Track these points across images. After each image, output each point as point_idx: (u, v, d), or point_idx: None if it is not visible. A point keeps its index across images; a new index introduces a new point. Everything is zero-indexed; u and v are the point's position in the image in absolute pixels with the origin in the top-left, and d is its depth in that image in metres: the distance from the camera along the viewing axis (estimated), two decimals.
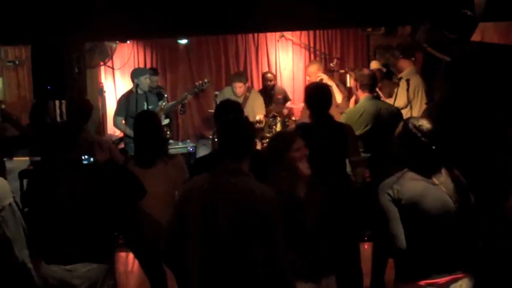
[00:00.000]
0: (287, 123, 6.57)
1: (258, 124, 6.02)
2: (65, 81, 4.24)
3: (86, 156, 2.99)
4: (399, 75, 5.88)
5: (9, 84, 6.64)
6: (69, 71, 4.27)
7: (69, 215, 2.81)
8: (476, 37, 3.53)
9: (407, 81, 5.48)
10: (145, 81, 6.08)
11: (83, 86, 4.53)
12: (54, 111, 5.46)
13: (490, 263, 2.74)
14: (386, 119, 4.18)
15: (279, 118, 6.54)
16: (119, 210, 3.02)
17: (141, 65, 7.64)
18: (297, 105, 7.01)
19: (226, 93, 6.32)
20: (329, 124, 3.82)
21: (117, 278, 3.15)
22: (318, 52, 7.73)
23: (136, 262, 4.20)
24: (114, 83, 7.85)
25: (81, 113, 4.02)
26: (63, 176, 2.85)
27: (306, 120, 4.69)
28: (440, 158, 2.60)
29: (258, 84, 7.72)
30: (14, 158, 4.50)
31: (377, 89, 4.95)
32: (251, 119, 5.79)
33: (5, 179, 3.08)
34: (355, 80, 4.44)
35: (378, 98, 4.53)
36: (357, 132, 4.12)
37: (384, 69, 6.48)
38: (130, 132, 5.56)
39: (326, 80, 5.87)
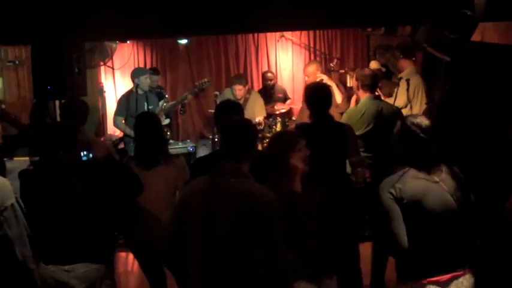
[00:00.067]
0: (287, 123, 6.58)
1: (258, 126, 6.02)
2: (65, 81, 4.24)
3: (85, 152, 2.99)
4: (399, 75, 5.89)
5: (9, 84, 6.63)
6: (69, 71, 4.27)
7: (67, 216, 2.82)
8: (476, 37, 3.53)
9: (407, 81, 5.48)
10: (145, 81, 6.08)
11: (83, 86, 4.53)
12: (54, 111, 5.46)
13: (490, 262, 2.75)
14: (388, 119, 4.18)
15: (279, 118, 6.55)
16: (118, 206, 3.03)
17: (141, 65, 7.64)
18: (296, 105, 7.01)
19: (227, 95, 6.32)
20: (329, 124, 3.82)
21: (117, 278, 3.15)
22: (318, 52, 7.73)
23: (136, 262, 4.19)
24: (114, 83, 7.85)
25: (76, 114, 4.02)
26: (61, 176, 2.85)
27: (305, 120, 4.69)
28: (439, 154, 2.60)
29: (258, 84, 7.73)
30: (14, 158, 4.50)
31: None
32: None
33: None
34: (356, 79, 4.44)
35: (379, 98, 4.53)
36: (358, 132, 4.12)
37: (383, 69, 6.49)
38: (130, 132, 5.56)
39: (326, 80, 5.87)
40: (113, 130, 7.05)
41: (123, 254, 5.24)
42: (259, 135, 6.06)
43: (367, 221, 4.44)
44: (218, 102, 4.92)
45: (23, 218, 2.65)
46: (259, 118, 6.25)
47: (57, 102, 5.23)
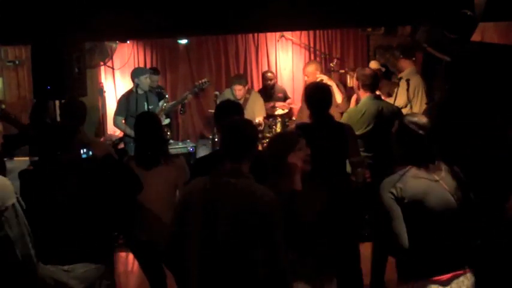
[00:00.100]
0: (287, 123, 6.58)
1: (258, 127, 6.03)
2: (65, 81, 4.24)
3: (85, 150, 3.00)
4: (399, 75, 5.88)
5: (9, 84, 6.63)
6: (69, 71, 4.27)
7: (67, 215, 2.82)
8: (476, 37, 3.53)
9: (407, 81, 5.48)
10: (145, 80, 6.07)
11: (83, 86, 4.53)
12: (54, 111, 5.46)
13: (490, 262, 2.75)
14: (388, 119, 4.18)
15: (279, 118, 6.55)
16: (118, 206, 3.03)
17: (141, 65, 7.64)
18: (296, 105, 7.02)
19: (227, 95, 6.32)
20: (329, 124, 3.82)
21: (117, 278, 3.15)
22: (318, 52, 7.73)
23: (136, 262, 4.19)
24: (114, 83, 7.85)
25: (75, 114, 4.03)
26: (61, 176, 2.85)
27: (304, 120, 4.69)
28: (439, 152, 2.61)
29: (258, 84, 7.73)
30: (14, 158, 4.50)
31: None
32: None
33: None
34: (357, 79, 4.43)
35: (379, 97, 4.53)
36: (359, 132, 4.11)
37: (383, 69, 6.49)
38: (130, 132, 5.56)
39: (326, 80, 5.87)
40: (113, 130, 7.05)
41: (123, 254, 5.24)
42: (259, 135, 6.07)
43: (367, 221, 4.44)
44: (218, 102, 4.93)
45: (24, 218, 2.64)
46: (259, 118, 6.25)
47: (57, 102, 5.23)
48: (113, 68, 7.63)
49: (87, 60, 4.98)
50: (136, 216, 3.48)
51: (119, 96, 6.49)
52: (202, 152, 6.50)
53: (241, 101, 6.12)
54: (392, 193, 2.51)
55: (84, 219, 2.84)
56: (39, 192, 2.86)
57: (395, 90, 5.56)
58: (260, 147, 5.80)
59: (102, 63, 6.81)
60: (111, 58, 7.12)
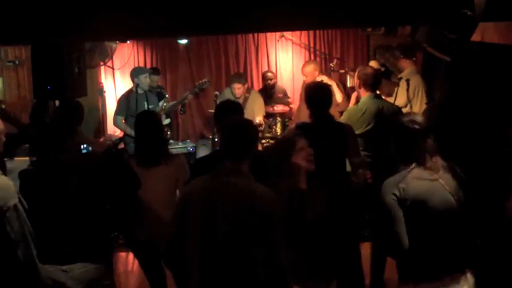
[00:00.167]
0: (287, 123, 6.58)
1: (259, 127, 6.02)
2: (65, 81, 4.23)
3: (85, 146, 3.00)
4: (399, 75, 5.89)
5: (9, 84, 6.62)
6: (69, 71, 4.27)
7: (66, 215, 2.82)
8: (476, 37, 3.52)
9: (407, 81, 5.48)
10: (145, 80, 6.08)
11: (83, 86, 4.52)
12: (54, 111, 5.45)
13: (490, 262, 2.74)
14: (388, 118, 4.18)
15: (279, 118, 6.55)
16: (117, 205, 3.03)
17: (141, 65, 7.64)
18: (296, 105, 7.02)
19: (226, 95, 6.32)
20: (329, 124, 3.82)
21: (117, 278, 3.15)
22: (318, 52, 7.73)
23: (136, 262, 4.19)
24: (114, 83, 7.85)
25: (71, 115, 4.03)
26: (61, 176, 2.85)
27: (301, 120, 4.69)
28: (437, 148, 2.62)
29: (258, 84, 7.73)
30: (15, 158, 4.49)
31: None
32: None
33: None
34: (358, 78, 4.42)
35: (379, 97, 4.53)
36: (358, 131, 4.11)
37: (382, 69, 6.49)
38: (130, 131, 5.56)
39: (326, 80, 5.87)
40: (113, 130, 7.05)
41: (123, 254, 5.24)
42: (259, 135, 6.07)
43: (367, 221, 4.44)
44: (218, 102, 4.93)
45: (26, 218, 2.64)
46: (259, 118, 6.25)
47: (57, 102, 5.23)
48: (113, 68, 7.63)
49: (87, 60, 4.98)
50: (136, 216, 3.48)
51: (118, 96, 6.49)
52: (202, 152, 6.50)
53: (240, 100, 6.12)
54: (395, 194, 2.51)
55: (83, 219, 2.84)
56: (39, 192, 2.86)
57: (396, 90, 5.56)
58: (260, 147, 5.81)
59: (102, 63, 6.81)
60: (111, 58, 7.12)
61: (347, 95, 6.32)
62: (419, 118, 2.65)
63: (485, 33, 4.51)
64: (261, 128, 6.17)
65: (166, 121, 6.65)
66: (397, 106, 4.74)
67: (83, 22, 3.82)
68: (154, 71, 6.89)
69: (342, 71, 7.14)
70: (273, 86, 7.03)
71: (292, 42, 7.82)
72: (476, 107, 3.33)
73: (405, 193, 2.50)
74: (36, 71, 4.25)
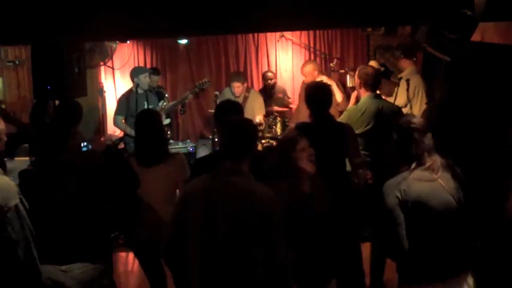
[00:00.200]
0: (287, 123, 6.58)
1: (259, 127, 6.02)
2: (65, 81, 4.23)
3: (85, 143, 3.00)
4: (399, 75, 5.88)
5: (9, 84, 6.63)
6: (69, 71, 4.27)
7: (66, 215, 2.81)
8: (476, 37, 3.52)
9: (407, 81, 5.48)
10: (144, 80, 6.08)
11: (83, 86, 4.53)
12: (54, 111, 5.45)
13: (491, 262, 2.74)
14: (388, 118, 4.18)
15: (279, 118, 6.55)
16: (117, 204, 3.03)
17: (141, 65, 7.64)
18: (295, 105, 7.02)
19: (226, 94, 6.32)
20: (329, 124, 3.82)
21: (117, 278, 3.14)
22: (318, 52, 7.73)
23: (136, 262, 4.19)
24: (114, 83, 7.85)
25: (69, 115, 4.02)
26: (60, 176, 2.85)
27: (301, 119, 4.69)
28: (435, 147, 2.62)
29: (258, 84, 7.73)
30: (15, 158, 4.50)
31: None
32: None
33: None
34: (359, 77, 4.42)
35: (379, 96, 4.53)
36: (358, 131, 4.11)
37: (382, 69, 6.49)
38: (130, 131, 5.57)
39: (326, 80, 5.87)
40: (113, 130, 7.05)
41: (123, 254, 5.24)
42: (259, 134, 6.07)
43: (367, 221, 4.44)
44: (218, 102, 4.93)
45: (27, 218, 2.64)
46: (259, 117, 6.25)
47: (57, 102, 5.23)
48: (113, 68, 7.63)
49: (87, 60, 4.98)
50: (136, 215, 3.48)
51: (118, 96, 6.49)
52: (202, 152, 6.50)
53: (240, 99, 6.12)
54: (397, 197, 2.51)
55: (83, 219, 2.84)
56: (39, 192, 2.86)
57: (396, 90, 5.56)
58: (260, 147, 5.80)
59: (102, 63, 6.81)
60: (111, 58, 7.12)
61: (347, 95, 6.31)
62: (419, 119, 2.66)
63: (485, 33, 4.51)
64: (261, 128, 6.17)
65: (166, 121, 6.65)
66: (397, 106, 4.74)
67: (83, 22, 3.82)
68: (154, 71, 6.89)
69: (342, 71, 7.13)
70: (273, 86, 7.02)
71: (292, 42, 7.82)
72: (476, 107, 3.33)
73: (406, 195, 2.50)
74: (36, 71, 4.25)
